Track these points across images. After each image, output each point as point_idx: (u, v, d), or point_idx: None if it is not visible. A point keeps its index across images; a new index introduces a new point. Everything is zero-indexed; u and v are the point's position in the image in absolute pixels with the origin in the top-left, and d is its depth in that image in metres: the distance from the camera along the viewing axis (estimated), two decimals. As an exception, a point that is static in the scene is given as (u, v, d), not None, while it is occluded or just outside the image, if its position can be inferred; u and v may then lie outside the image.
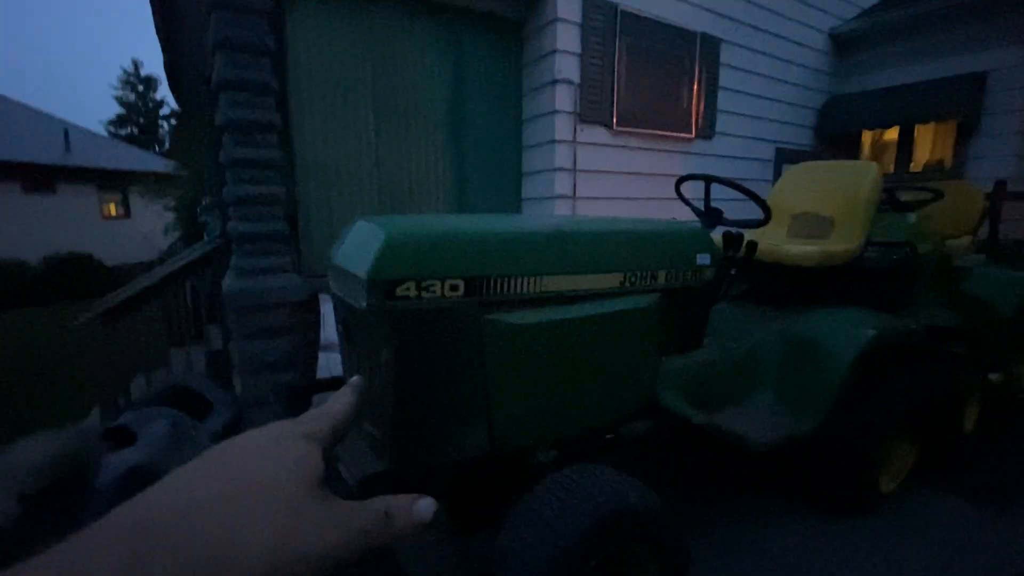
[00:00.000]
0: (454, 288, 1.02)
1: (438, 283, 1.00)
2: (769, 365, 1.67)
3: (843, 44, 5.04)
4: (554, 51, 3.32)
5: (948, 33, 4.48)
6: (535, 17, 3.46)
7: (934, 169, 4.64)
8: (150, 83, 22.16)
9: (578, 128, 3.49)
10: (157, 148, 19.79)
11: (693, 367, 1.53)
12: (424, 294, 0.99)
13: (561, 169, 3.47)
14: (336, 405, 0.30)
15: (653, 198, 3.82)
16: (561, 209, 3.52)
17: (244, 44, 2.37)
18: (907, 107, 4.50)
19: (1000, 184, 3.53)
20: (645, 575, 1.09)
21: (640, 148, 3.85)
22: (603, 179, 3.68)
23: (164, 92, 22.21)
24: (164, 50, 5.02)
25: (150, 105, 22.50)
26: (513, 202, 3.78)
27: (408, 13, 3.14)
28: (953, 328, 2.13)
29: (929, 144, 4.80)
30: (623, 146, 3.76)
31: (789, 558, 1.55)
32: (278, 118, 2.58)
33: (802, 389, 1.59)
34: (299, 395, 1.77)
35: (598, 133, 3.61)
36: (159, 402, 2.35)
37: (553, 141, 3.42)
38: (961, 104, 4.24)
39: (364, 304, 0.96)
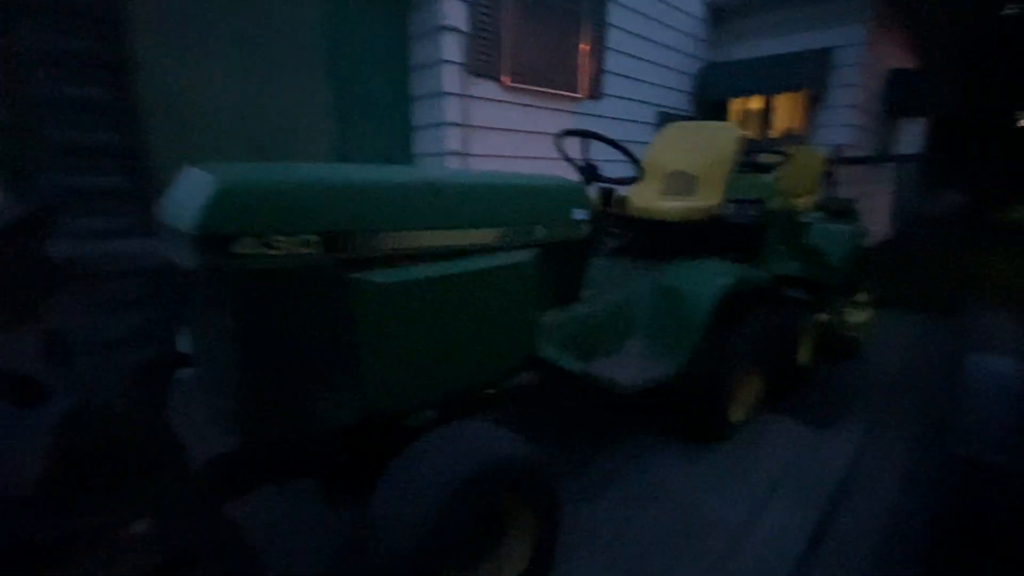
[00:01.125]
0: (307, 244, 0.93)
1: (285, 239, 0.90)
2: (641, 314, 1.79)
3: (717, 13, 5.35)
4: (440, -5, 3.13)
5: (800, 10, 4.93)
6: (419, -44, 3.21)
7: (789, 136, 5.19)
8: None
9: (469, 81, 3.37)
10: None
11: (571, 320, 1.59)
12: (269, 251, 0.88)
13: (452, 124, 3.35)
14: None
15: (544, 157, 3.85)
16: (453, 165, 3.42)
17: (49, -48, 1.93)
18: (767, 78, 4.94)
19: (838, 149, 4.05)
20: (517, 522, 1.14)
21: (532, 106, 3.83)
22: (495, 136, 3.63)
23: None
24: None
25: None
26: (403, 158, 3.59)
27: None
28: (796, 276, 2.44)
29: (787, 113, 5.34)
30: (514, 102, 3.71)
31: (658, 485, 1.72)
32: (106, 47, 2.17)
33: (669, 335, 1.73)
34: (155, 374, 1.57)
35: (489, 88, 3.52)
36: (-26, 393, 1.98)
37: (442, 93, 3.27)
38: (809, 77, 4.74)
39: (193, 263, 0.84)
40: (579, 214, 1.52)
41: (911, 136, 8.03)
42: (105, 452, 1.85)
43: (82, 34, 2.08)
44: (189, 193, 0.89)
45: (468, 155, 3.47)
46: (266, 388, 0.95)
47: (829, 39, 4.82)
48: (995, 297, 3.89)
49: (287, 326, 0.95)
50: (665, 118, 4.97)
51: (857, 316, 3.01)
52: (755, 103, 5.48)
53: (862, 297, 3.16)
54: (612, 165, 1.81)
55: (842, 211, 3.43)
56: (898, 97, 5.74)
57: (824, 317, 2.76)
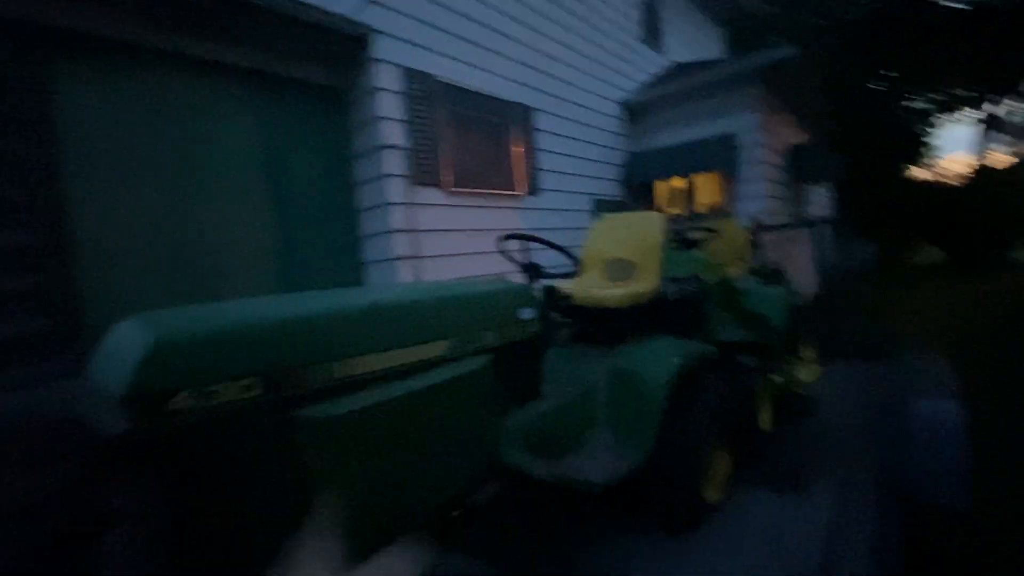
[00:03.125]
0: (248, 388, 0.90)
1: (224, 386, 0.87)
2: (600, 403, 1.79)
3: (631, 111, 6.01)
4: (378, 118, 3.37)
5: (705, 103, 5.63)
6: (356, 85, 3.49)
7: (713, 210, 5.66)
8: None
9: (412, 190, 3.54)
10: None
11: (532, 419, 1.57)
12: (206, 402, 0.85)
13: (399, 231, 3.46)
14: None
15: (493, 252, 3.98)
16: (403, 269, 3.48)
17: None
18: (684, 162, 5.50)
19: (754, 220, 4.44)
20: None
21: (475, 207, 4.03)
22: (442, 238, 3.76)
23: None
24: None
25: None
26: (352, 266, 3.63)
27: (208, 78, 2.92)
28: (740, 342, 2.54)
29: (708, 190, 5.87)
30: (459, 205, 3.90)
31: (644, 587, 1.62)
32: (21, 191, 2.15)
33: (630, 421, 1.73)
34: (76, 544, 1.40)
35: (432, 194, 3.71)
36: None
37: (386, 204, 3.41)
38: (720, 158, 5.31)
39: (123, 428, 0.78)
40: (526, 313, 1.56)
41: (823, 198, 8.96)
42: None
43: (5, 180, 2.07)
44: (119, 350, 0.86)
45: (417, 257, 3.55)
46: (208, 562, 0.86)
47: (732, 126, 5.47)
48: (921, 336, 4.19)
49: (228, 479, 0.89)
50: (599, 204, 5.34)
51: (806, 373, 3.14)
52: (677, 183, 6.01)
53: (807, 354, 3.32)
54: (554, 257, 1.91)
55: (772, 275, 3.69)
56: (799, 169, 6.48)
57: (777, 379, 2.85)
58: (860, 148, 12.00)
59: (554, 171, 4.86)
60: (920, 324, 5.02)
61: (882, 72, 15.34)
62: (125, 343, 0.86)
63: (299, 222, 3.30)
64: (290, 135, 3.28)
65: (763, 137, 5.39)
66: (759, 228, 4.42)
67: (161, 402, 0.80)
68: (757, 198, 5.43)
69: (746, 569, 1.67)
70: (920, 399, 2.45)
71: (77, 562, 1.41)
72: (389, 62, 3.43)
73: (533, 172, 4.59)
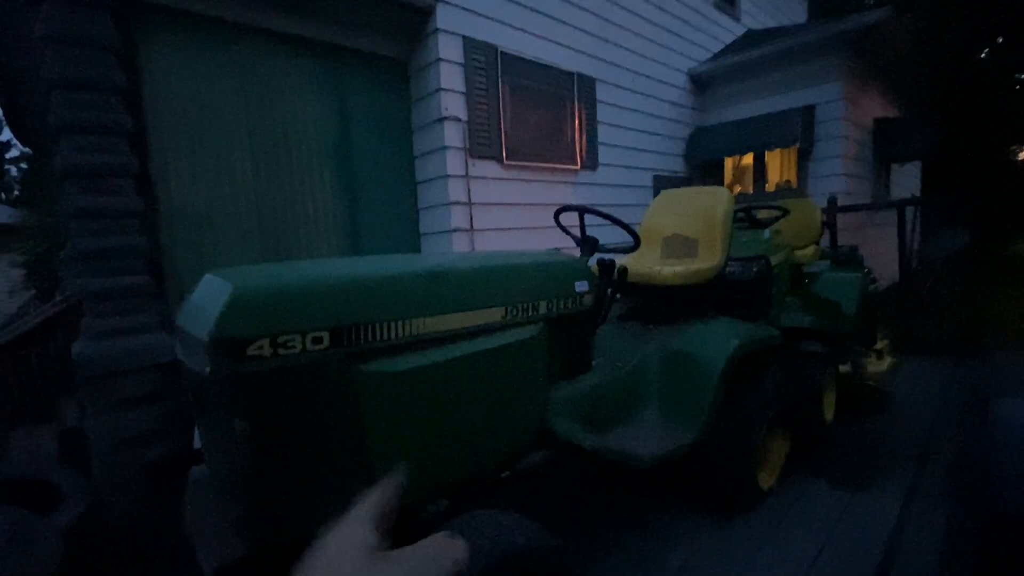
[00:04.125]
0: (317, 341, 0.96)
1: (297, 337, 0.93)
2: (652, 381, 1.76)
3: (700, 82, 5.70)
4: (439, 90, 3.39)
5: (782, 73, 5.23)
6: (419, 57, 3.51)
7: (784, 188, 5.32)
8: (-9, 123, 19.29)
9: (470, 163, 3.56)
10: (4, 196, 17.15)
11: (582, 392, 1.57)
12: (281, 351, 0.91)
13: (456, 203, 3.51)
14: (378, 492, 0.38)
15: (547, 227, 3.96)
16: (459, 242, 3.54)
17: (86, 81, 2.14)
18: (755, 136, 5.16)
19: (831, 199, 4.13)
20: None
21: (531, 180, 4.00)
22: (498, 211, 3.77)
23: (9, 134, 19.41)
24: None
25: (-8, 148, 19.54)
26: (411, 238, 3.73)
27: (285, 51, 3.04)
28: (807, 328, 2.41)
29: (779, 167, 5.51)
30: (515, 179, 3.89)
31: (692, 566, 1.61)
32: (134, 161, 2.35)
33: (682, 401, 1.70)
34: (168, 471, 1.57)
35: (490, 167, 3.71)
36: (-6, 499, 1.97)
37: (445, 176, 3.45)
38: (796, 133, 4.94)
39: (208, 370, 0.86)
40: (581, 286, 1.55)
41: (910, 179, 8.19)
42: (115, 557, 1.80)
43: (108, 149, 2.26)
44: (205, 300, 0.94)
45: (473, 230, 3.59)
46: (281, 492, 0.94)
47: (811, 97, 5.07)
48: (1012, 335, 3.77)
49: (299, 425, 0.96)
50: (661, 181, 5.15)
51: (878, 365, 2.94)
52: (748, 160, 5.67)
53: (881, 345, 3.10)
54: (611, 231, 1.87)
55: (847, 259, 3.44)
56: (884, 145, 5.93)
57: (846, 369, 2.70)
58: (957, 125, 10.77)
59: (615, 145, 4.71)
60: (1012, 321, 4.53)
61: (987, 39, 13.58)
62: (210, 294, 0.94)
63: (362, 193, 3.41)
64: (356, 107, 3.37)
65: (846, 110, 4.96)
66: (836, 209, 4.11)
67: (240, 348, 0.87)
68: (835, 176, 5.04)
69: (795, 561, 1.62)
70: (1006, 400, 2.23)
71: (170, 489, 1.58)
72: (451, 32, 3.42)
73: (593, 146, 4.48)
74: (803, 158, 5.22)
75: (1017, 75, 14.36)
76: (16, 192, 16.95)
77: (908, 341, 3.75)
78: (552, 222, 2.01)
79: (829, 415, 2.47)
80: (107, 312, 2.22)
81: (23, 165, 17.36)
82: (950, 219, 5.02)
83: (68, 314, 2.73)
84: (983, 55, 13.96)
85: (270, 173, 3.00)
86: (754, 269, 2.22)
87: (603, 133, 4.59)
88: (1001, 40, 13.57)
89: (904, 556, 1.61)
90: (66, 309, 2.75)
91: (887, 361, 3.03)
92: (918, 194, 8.31)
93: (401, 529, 1.16)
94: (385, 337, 1.07)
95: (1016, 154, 15.81)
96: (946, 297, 3.97)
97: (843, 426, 2.58)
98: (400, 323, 1.09)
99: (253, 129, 2.93)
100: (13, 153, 19.28)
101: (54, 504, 2.05)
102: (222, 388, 0.89)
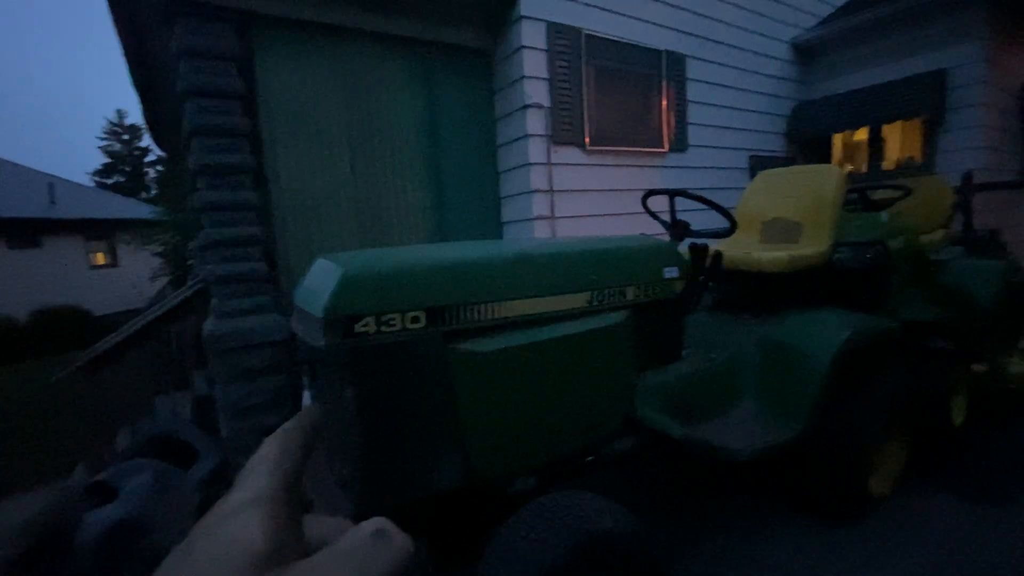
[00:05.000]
0: (415, 320, 1.02)
1: (398, 316, 1.00)
2: (748, 373, 1.66)
3: (805, 52, 5.19)
4: (522, 77, 3.39)
5: (905, 35, 4.62)
6: (502, 46, 3.54)
7: (906, 166, 4.72)
8: (135, 131, 22.35)
9: (552, 150, 3.54)
10: (144, 195, 19.86)
11: (671, 380, 1.52)
12: (384, 328, 0.98)
13: (537, 191, 3.51)
14: (274, 450, 0.25)
15: (631, 213, 3.85)
16: (540, 230, 3.55)
17: (213, 90, 2.41)
18: (872, 108, 4.61)
19: (967, 176, 3.60)
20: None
21: (615, 165, 3.90)
22: (580, 198, 3.72)
23: (149, 140, 22.35)
24: (142, 99, 5.08)
25: (135, 153, 22.67)
26: (493, 226, 3.80)
27: (379, 48, 3.21)
28: (933, 322, 2.14)
29: (899, 142, 4.90)
30: (598, 164, 3.81)
31: (782, 569, 1.52)
32: (252, 159, 2.61)
33: (782, 395, 1.59)
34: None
35: (572, 154, 3.67)
36: (143, 453, 2.32)
37: (527, 164, 3.47)
38: (924, 102, 4.35)
39: (322, 343, 0.95)
40: (670, 272, 1.50)
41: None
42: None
43: (231, 150, 2.53)
44: (318, 281, 1.03)
45: (554, 218, 3.58)
46: (384, 456, 1.02)
47: (941, 61, 4.43)
48: None
49: (399, 396, 1.03)
50: (758, 162, 4.79)
51: (1022, 366, 2.54)
52: (861, 136, 5.10)
53: (1027, 343, 2.67)
54: (703, 215, 1.78)
55: (986, 244, 3.00)
56: (1039, 112, 5.04)
57: (981, 368, 2.36)
58: None
59: (706, 125, 4.45)
60: None
61: None
62: (323, 276, 1.03)
63: (448, 183, 3.53)
64: (443, 100, 3.48)
65: (988, 72, 4.28)
66: (972, 187, 3.58)
67: (349, 324, 0.95)
68: (972, 150, 4.38)
69: (907, 573, 1.46)
70: None
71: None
72: (535, 19, 3.41)
73: (682, 126, 4.26)
74: (931, 130, 4.58)
75: None
76: (154, 191, 19.57)
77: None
78: (638, 208, 1.94)
79: (959, 420, 2.18)
80: (231, 295, 2.50)
81: (159, 168, 19.99)
82: None
83: (199, 297, 3.11)
84: None
85: (366, 167, 3.19)
86: (868, 256, 2.00)
87: (693, 113, 4.35)
88: None
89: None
90: (198, 292, 3.14)
91: (1035, 362, 2.61)
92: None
93: (490, 503, 1.21)
94: (476, 318, 1.11)
95: None
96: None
97: (977, 433, 2.27)
98: (490, 305, 1.12)
99: (351, 126, 3.13)
100: (150, 157, 22.23)
101: (191, 460, 2.37)
102: (334, 360, 0.97)
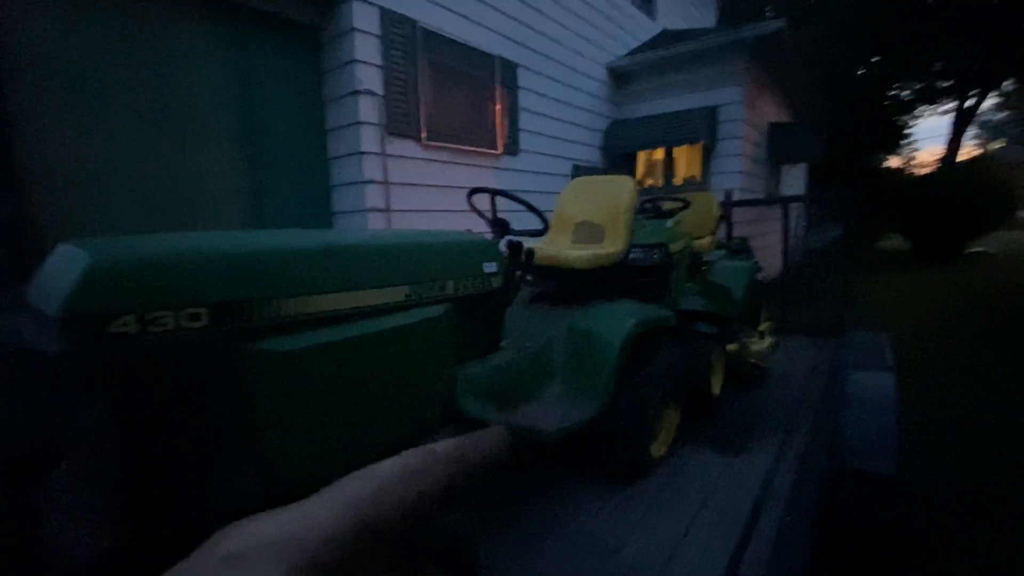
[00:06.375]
0: (195, 318, 0.90)
1: (170, 314, 0.86)
2: (558, 359, 1.84)
3: (619, 76, 5.92)
4: (353, 60, 3.24)
5: (690, 73, 5.57)
6: (332, 24, 3.33)
7: (690, 182, 5.70)
8: None
9: (387, 140, 3.45)
10: None
11: (490, 370, 1.61)
12: (152, 328, 0.84)
13: (372, 182, 3.39)
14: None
15: (467, 211, 3.95)
16: (375, 222, 3.43)
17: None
18: (666, 132, 5.48)
19: (728, 194, 4.49)
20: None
21: (452, 163, 3.96)
22: (416, 192, 3.70)
23: None
24: None
25: None
26: (323, 215, 3.56)
27: (180, 10, 2.75)
28: (701, 311, 2.63)
29: (686, 162, 5.89)
30: (435, 160, 3.83)
31: (588, 530, 1.72)
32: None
33: (585, 376, 1.79)
34: (23, 474, 1.40)
35: (408, 146, 3.62)
36: None
37: (360, 152, 3.32)
38: (702, 131, 5.31)
39: (58, 350, 0.78)
40: (490, 267, 1.57)
41: (797, 179, 9.09)
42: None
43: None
44: (59, 271, 0.84)
45: (390, 211, 3.50)
46: (151, 481, 0.88)
47: (714, 98, 5.45)
48: (875, 317, 4.38)
49: (174, 408, 0.89)
50: (580, 171, 5.31)
51: (760, 345, 3.27)
52: (659, 154, 6.01)
53: (764, 327, 3.45)
54: (525, 216, 1.91)
55: (739, 249, 3.78)
56: (777, 147, 6.54)
57: (733, 347, 2.97)
58: (840, 131, 12.16)
59: (535, 132, 4.78)
60: (874, 307, 5.24)
61: (870, 58, 15.41)
62: (64, 265, 0.84)
63: (268, 166, 3.19)
64: (260, 74, 3.13)
65: (745, 112, 5.40)
66: (732, 203, 4.48)
67: (100, 324, 0.79)
68: (733, 173, 5.49)
69: (679, 517, 1.78)
70: (857, 371, 2.59)
71: (25, 497, 1.41)
72: (367, 2, 3.27)
73: (515, 131, 4.51)
74: (707, 155, 5.62)
75: (891, 90, 16.42)
76: None
77: (787, 323, 4.21)
78: (466, 201, 2.01)
79: (717, 389, 2.72)
80: (-53, 290, 1.91)
81: None
82: (830, 216, 5.71)
83: None
84: (862, 72, 15.79)
85: (159, 140, 2.71)
86: (655, 256, 2.37)
87: (525, 120, 4.63)
88: (878, 59, 15.41)
89: (768, 508, 1.83)
90: None
91: (767, 341, 3.39)
92: (803, 192, 9.28)
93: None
94: (275, 315, 1.02)
95: (883, 161, 18.17)
96: (820, 284, 4.50)
97: (728, 399, 2.85)
98: (291, 300, 1.04)
99: (138, 87, 2.63)
100: None
101: None
102: (78, 369, 0.80)
